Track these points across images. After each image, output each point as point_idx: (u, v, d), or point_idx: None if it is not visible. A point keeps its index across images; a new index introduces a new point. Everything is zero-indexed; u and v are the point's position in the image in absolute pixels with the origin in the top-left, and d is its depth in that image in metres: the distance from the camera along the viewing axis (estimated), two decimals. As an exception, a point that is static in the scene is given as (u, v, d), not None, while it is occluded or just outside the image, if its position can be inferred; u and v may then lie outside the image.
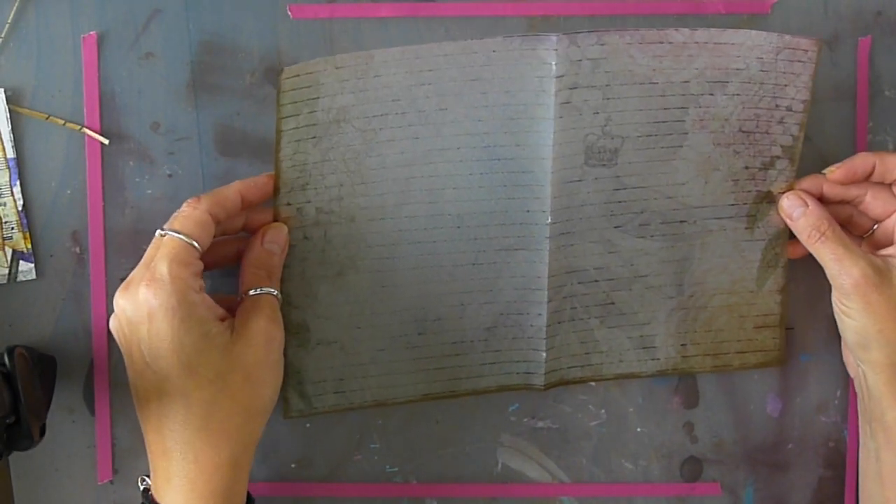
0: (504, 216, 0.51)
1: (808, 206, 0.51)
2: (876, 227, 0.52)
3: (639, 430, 0.55)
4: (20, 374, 0.46)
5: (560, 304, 0.52)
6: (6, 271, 0.51)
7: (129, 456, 0.52)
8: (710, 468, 0.55)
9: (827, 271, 0.50)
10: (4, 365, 0.46)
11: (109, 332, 0.51)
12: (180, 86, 0.52)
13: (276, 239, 0.49)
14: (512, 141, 0.50)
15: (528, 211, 0.51)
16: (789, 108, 0.52)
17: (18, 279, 0.51)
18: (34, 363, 0.48)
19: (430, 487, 0.54)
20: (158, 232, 0.45)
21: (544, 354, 0.52)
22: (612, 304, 0.53)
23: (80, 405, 0.52)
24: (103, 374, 0.52)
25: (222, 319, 0.46)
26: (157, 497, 0.45)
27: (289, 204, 0.50)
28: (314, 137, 0.50)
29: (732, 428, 0.55)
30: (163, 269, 0.44)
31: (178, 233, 0.45)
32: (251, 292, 0.47)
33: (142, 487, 0.47)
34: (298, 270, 0.51)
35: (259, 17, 0.52)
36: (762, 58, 0.51)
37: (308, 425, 0.53)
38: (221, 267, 0.50)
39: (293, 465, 0.53)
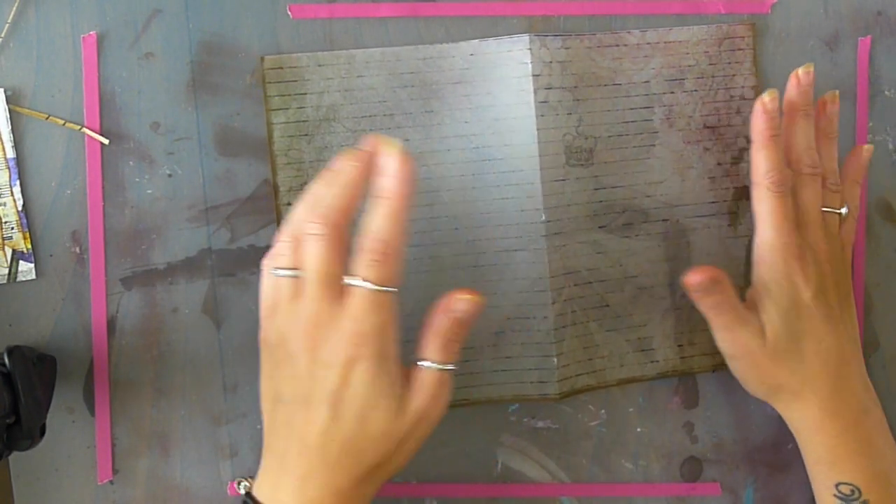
0: (500, 216, 0.52)
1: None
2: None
3: (639, 430, 0.55)
4: (20, 374, 0.46)
5: (562, 306, 0.52)
6: (6, 271, 0.51)
7: (129, 456, 0.52)
8: (710, 468, 0.55)
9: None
10: (4, 365, 0.46)
11: (109, 332, 0.52)
12: (180, 86, 0.52)
13: (465, 308, 0.45)
14: (500, 141, 0.51)
15: (522, 210, 0.51)
16: (742, 97, 0.53)
17: (18, 279, 0.51)
18: (34, 363, 0.48)
19: (430, 487, 0.54)
20: (346, 280, 0.43)
21: (555, 360, 0.52)
22: (607, 306, 0.53)
23: (80, 405, 0.52)
24: (103, 374, 0.52)
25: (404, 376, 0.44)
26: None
27: (289, 204, 0.51)
28: (306, 135, 0.51)
29: (732, 428, 0.55)
30: (370, 322, 0.42)
31: (382, 286, 0.42)
32: (425, 364, 0.44)
33: (243, 491, 0.47)
34: None
35: (259, 17, 0.52)
36: (708, 51, 0.53)
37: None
38: None
39: (293, 465, 0.53)
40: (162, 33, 0.52)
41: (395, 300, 0.43)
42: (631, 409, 0.55)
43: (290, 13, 0.52)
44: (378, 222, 0.43)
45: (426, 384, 0.44)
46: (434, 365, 0.44)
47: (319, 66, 0.51)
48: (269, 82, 0.51)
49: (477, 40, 0.51)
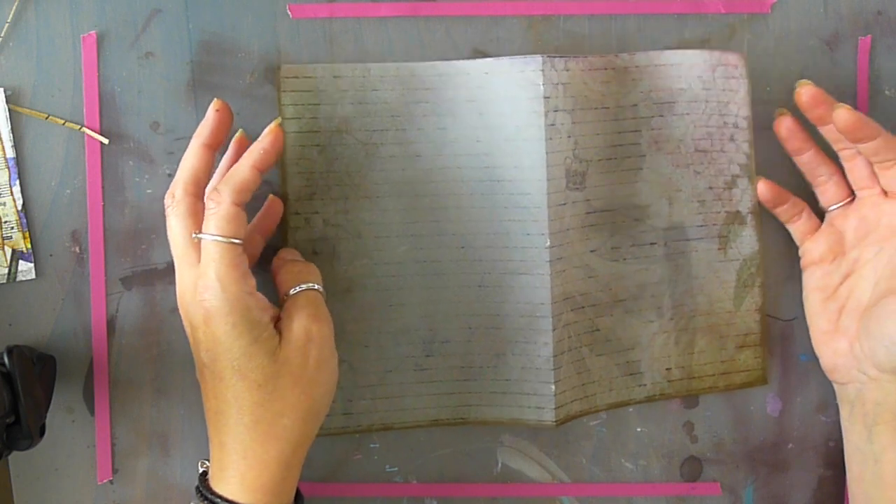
0: (506, 238, 0.51)
1: None
2: (850, 199, 0.52)
3: (639, 430, 0.55)
4: (20, 374, 0.46)
5: (561, 332, 0.51)
6: (6, 271, 0.51)
7: (128, 455, 0.52)
8: (710, 468, 0.55)
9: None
10: (4, 365, 0.46)
11: (109, 332, 0.52)
12: (180, 85, 0.52)
13: (291, 252, 0.50)
14: (510, 162, 0.51)
15: (528, 234, 0.51)
16: (736, 125, 0.53)
17: (18, 279, 0.51)
18: (34, 363, 0.48)
19: (430, 487, 0.54)
20: (193, 235, 0.45)
21: (553, 387, 0.51)
22: (598, 330, 0.52)
23: (80, 405, 0.52)
24: (103, 374, 0.52)
25: (277, 320, 0.46)
26: (212, 483, 0.45)
27: (297, 213, 0.51)
28: (318, 145, 0.50)
29: (732, 428, 0.55)
30: (210, 274, 0.44)
31: (216, 236, 0.44)
32: (291, 292, 0.47)
33: (201, 470, 0.47)
34: None
35: (259, 17, 0.52)
36: (701, 76, 0.52)
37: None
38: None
39: (293, 465, 0.53)
40: (162, 33, 0.52)
41: (237, 250, 0.45)
42: (631, 409, 0.55)
43: (289, 13, 0.52)
44: (226, 176, 0.46)
45: (301, 306, 0.46)
46: (300, 287, 0.46)
47: (335, 77, 0.51)
48: (285, 91, 0.50)
49: (492, 59, 0.51)
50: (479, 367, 0.52)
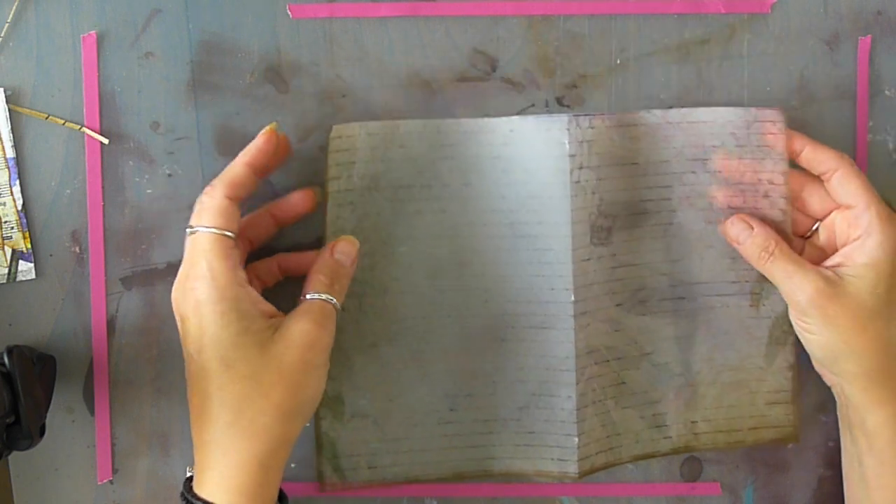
0: (530, 293, 0.51)
1: (753, 228, 0.51)
2: (817, 226, 0.52)
3: (639, 429, 0.55)
4: (20, 374, 0.46)
5: (585, 385, 0.51)
6: (6, 271, 0.51)
7: (128, 456, 0.52)
8: (710, 468, 0.55)
9: (781, 290, 0.50)
10: (4, 365, 0.46)
11: (109, 332, 0.52)
12: (180, 85, 0.52)
13: (346, 250, 0.49)
14: (534, 218, 0.51)
15: (552, 289, 0.51)
16: (771, 182, 0.52)
17: (18, 279, 0.51)
18: (34, 363, 0.48)
19: (431, 487, 0.54)
20: (187, 230, 0.46)
21: (576, 440, 0.51)
22: (624, 383, 0.52)
23: (80, 405, 0.52)
24: (103, 374, 0.52)
25: (271, 316, 0.46)
26: (195, 486, 0.45)
27: None
28: (350, 203, 0.51)
29: (732, 428, 0.55)
30: (202, 264, 0.44)
31: (208, 227, 0.45)
32: (308, 296, 0.47)
33: (188, 474, 0.47)
34: (335, 341, 0.50)
35: (259, 17, 0.52)
36: (735, 133, 0.52)
37: (308, 425, 0.53)
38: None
39: (293, 465, 0.53)
40: (162, 33, 0.52)
41: (229, 243, 0.45)
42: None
43: (289, 13, 0.52)
44: (221, 173, 0.47)
45: (311, 310, 0.46)
46: (320, 295, 0.46)
47: (368, 134, 0.51)
48: (332, 151, 0.50)
49: (517, 117, 0.51)
50: (503, 420, 0.52)
